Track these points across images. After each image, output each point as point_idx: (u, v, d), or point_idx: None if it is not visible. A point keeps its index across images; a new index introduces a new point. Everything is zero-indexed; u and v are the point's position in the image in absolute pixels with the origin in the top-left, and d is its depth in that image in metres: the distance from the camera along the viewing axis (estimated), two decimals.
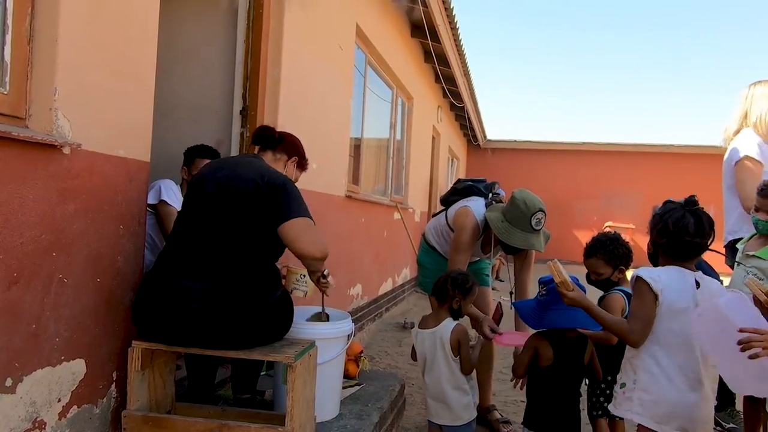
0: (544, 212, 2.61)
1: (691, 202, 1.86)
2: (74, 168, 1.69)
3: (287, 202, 1.93)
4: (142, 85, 1.99)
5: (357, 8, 4.50)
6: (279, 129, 2.39)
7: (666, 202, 1.94)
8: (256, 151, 2.27)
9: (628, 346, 1.91)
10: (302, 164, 2.36)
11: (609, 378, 2.38)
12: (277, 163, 2.23)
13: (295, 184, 2.26)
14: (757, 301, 1.90)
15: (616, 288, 2.41)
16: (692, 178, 12.52)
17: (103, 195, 1.82)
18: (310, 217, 1.97)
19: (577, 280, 2.05)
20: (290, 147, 2.29)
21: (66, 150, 1.64)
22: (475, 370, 2.54)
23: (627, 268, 2.47)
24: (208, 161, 2.49)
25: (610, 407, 1.99)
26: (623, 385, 1.89)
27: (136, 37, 1.94)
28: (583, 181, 14.15)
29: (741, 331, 1.58)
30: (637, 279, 1.84)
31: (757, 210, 2.55)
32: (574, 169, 14.25)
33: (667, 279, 1.82)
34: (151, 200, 2.66)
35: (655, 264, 1.96)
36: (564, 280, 1.93)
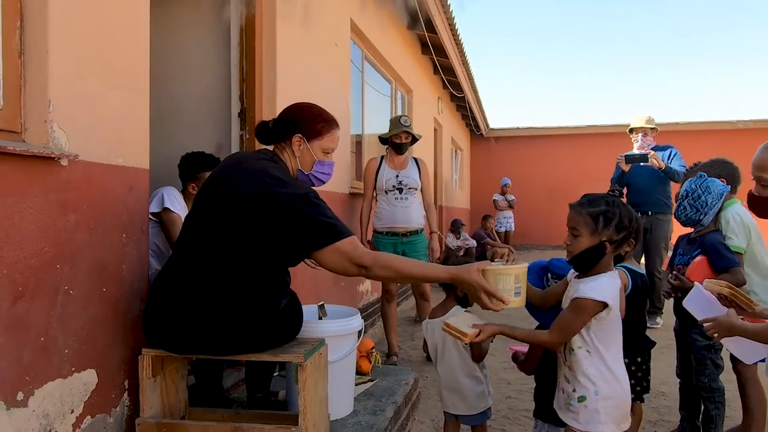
0: (407, 117, 4.19)
1: (620, 193, 1.85)
2: (73, 179, 1.69)
3: (302, 228, 1.79)
4: (137, 93, 1.98)
5: (350, 3, 4.48)
6: None
7: (601, 196, 1.81)
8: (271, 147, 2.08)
9: (576, 357, 1.75)
10: (313, 131, 1.97)
11: (626, 361, 2.36)
12: (283, 153, 2.02)
13: (324, 160, 2.02)
14: (723, 298, 1.87)
15: (620, 264, 2.41)
16: (703, 154, 12.43)
17: (104, 205, 1.82)
18: (332, 228, 1.79)
19: (562, 260, 2.02)
20: (285, 126, 2.00)
21: (63, 162, 1.64)
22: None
23: (635, 245, 2.48)
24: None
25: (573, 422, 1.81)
26: (582, 398, 1.75)
27: (128, 46, 1.93)
28: (589, 165, 13.97)
29: (702, 323, 1.82)
30: None
31: None
32: (579, 153, 14.11)
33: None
34: (154, 208, 2.66)
35: (588, 264, 1.79)
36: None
